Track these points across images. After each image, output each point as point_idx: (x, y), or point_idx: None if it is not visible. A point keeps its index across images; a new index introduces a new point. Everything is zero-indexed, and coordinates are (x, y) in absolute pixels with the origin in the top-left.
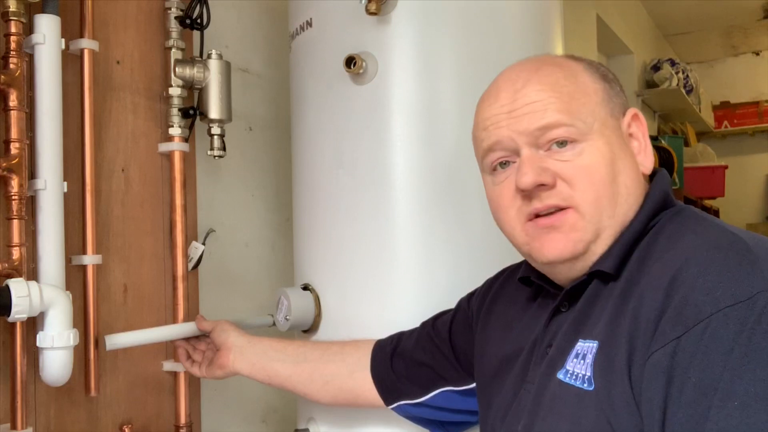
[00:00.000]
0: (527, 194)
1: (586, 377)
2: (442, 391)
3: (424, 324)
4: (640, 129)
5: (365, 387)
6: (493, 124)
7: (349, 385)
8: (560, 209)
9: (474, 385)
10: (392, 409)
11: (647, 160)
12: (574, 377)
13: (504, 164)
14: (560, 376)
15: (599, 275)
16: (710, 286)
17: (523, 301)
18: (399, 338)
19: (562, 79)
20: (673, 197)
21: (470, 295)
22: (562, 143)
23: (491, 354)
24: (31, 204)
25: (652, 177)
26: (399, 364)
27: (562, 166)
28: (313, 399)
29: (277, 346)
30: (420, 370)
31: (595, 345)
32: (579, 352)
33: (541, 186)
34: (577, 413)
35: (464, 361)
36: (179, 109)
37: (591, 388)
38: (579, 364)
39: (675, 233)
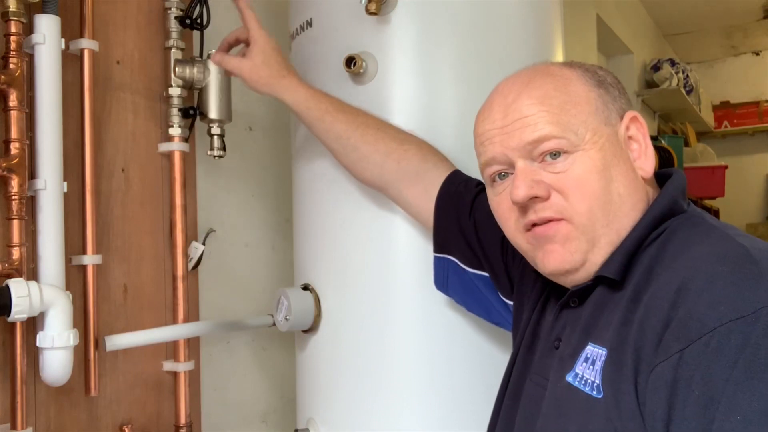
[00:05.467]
0: (522, 206)
1: (595, 384)
2: (487, 276)
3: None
4: (639, 131)
5: (422, 207)
6: (488, 140)
7: (404, 195)
8: (554, 220)
9: (508, 302)
10: (437, 257)
11: (647, 164)
12: (583, 382)
13: (503, 176)
14: (569, 378)
15: (604, 281)
16: (715, 299)
17: (534, 279)
18: (469, 192)
19: (552, 91)
20: (683, 202)
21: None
22: (555, 155)
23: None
24: (31, 204)
25: (666, 179)
26: (469, 228)
27: (555, 178)
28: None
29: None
30: (482, 251)
31: (604, 352)
32: (589, 356)
33: (535, 198)
34: (585, 418)
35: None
36: (179, 109)
37: (600, 396)
38: (588, 369)
39: (684, 242)
